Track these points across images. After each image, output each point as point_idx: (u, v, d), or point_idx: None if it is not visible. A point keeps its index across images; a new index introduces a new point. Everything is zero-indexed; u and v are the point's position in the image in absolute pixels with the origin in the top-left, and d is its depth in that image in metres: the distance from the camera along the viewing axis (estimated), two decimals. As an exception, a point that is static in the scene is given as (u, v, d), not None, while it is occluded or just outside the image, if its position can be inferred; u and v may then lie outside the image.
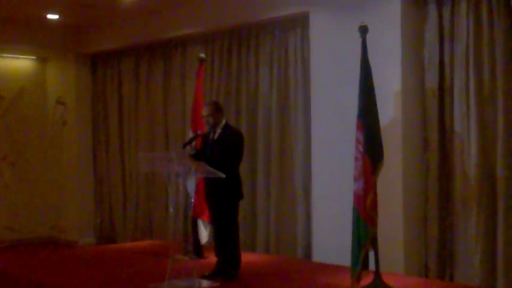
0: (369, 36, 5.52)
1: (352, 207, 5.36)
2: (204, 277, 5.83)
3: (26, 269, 6.77)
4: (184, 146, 6.11)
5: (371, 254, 5.38)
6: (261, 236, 8.07)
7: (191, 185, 6.86)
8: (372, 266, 5.41)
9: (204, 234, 7.00)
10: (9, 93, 10.83)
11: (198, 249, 6.98)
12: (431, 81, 6.44)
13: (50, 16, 9.56)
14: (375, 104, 5.48)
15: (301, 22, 7.63)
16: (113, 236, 10.53)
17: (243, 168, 6.46)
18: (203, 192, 6.28)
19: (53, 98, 11.13)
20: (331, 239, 6.87)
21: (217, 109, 6.02)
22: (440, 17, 6.42)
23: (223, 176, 5.42)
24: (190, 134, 6.99)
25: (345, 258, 5.61)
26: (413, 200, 6.46)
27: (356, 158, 5.37)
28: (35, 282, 6.15)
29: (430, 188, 6.44)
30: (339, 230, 6.37)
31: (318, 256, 7.13)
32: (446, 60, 6.37)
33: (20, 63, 11.03)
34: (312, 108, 7.29)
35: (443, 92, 6.40)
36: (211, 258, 6.39)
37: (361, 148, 5.34)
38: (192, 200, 6.88)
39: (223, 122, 6.03)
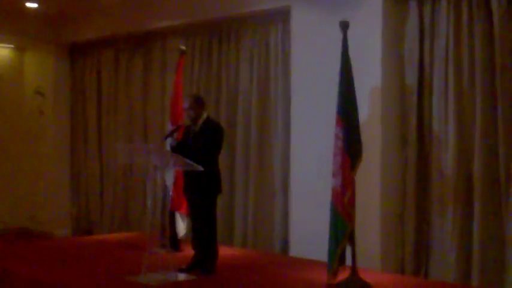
0: (349, 32, 5.52)
1: (330, 202, 5.37)
2: (180, 270, 5.81)
3: (1, 259, 6.69)
4: (166, 137, 6.07)
5: (348, 250, 5.40)
6: (238, 230, 8.06)
7: (169, 177, 6.84)
8: (348, 261, 5.43)
9: (182, 227, 6.99)
10: (-14, 81, 10.73)
11: (175, 242, 6.96)
12: (411, 78, 6.47)
13: (28, 4, 9.44)
14: (355, 100, 5.49)
15: (282, 16, 7.61)
16: (89, 228, 10.45)
17: (222, 162, 6.44)
18: (181, 185, 6.25)
19: (30, 87, 11.01)
20: (308, 234, 6.87)
21: (197, 102, 5.97)
22: (421, 14, 6.44)
23: (201, 169, 5.40)
24: (170, 127, 6.94)
25: (322, 254, 5.62)
26: (390, 197, 6.49)
27: (335, 154, 5.37)
28: (9, 273, 6.08)
29: (408, 185, 6.48)
30: (317, 225, 6.37)
31: (295, 251, 7.14)
32: (426, 57, 6.40)
33: (-3, 51, 10.92)
34: (292, 103, 7.28)
35: (423, 89, 6.43)
36: (188, 252, 6.37)
37: (340, 144, 5.34)
38: (170, 193, 6.85)
39: (205, 115, 5.99)
